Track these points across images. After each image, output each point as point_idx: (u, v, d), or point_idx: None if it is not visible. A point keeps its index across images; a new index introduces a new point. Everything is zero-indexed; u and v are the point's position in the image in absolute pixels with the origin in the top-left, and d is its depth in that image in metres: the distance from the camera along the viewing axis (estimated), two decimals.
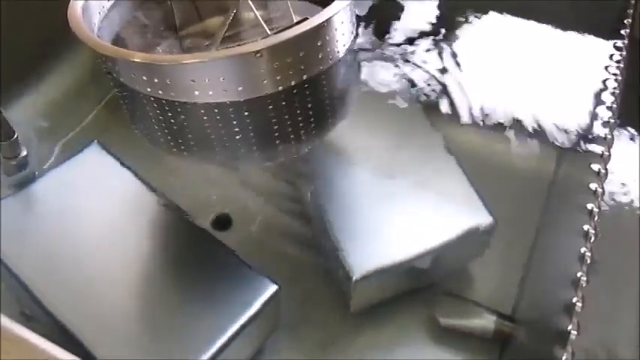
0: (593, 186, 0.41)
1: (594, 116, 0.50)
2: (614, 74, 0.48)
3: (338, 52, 0.51)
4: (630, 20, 0.53)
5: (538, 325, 0.45)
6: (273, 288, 0.45)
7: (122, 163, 0.52)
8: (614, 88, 0.47)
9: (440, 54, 0.56)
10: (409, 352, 0.48)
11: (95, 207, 0.49)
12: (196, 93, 0.48)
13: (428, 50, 0.57)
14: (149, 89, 0.49)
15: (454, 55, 0.56)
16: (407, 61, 0.55)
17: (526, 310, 0.48)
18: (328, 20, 0.48)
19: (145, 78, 0.48)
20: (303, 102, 0.50)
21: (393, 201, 0.50)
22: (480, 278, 0.53)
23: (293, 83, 0.48)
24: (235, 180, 0.58)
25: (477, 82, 0.56)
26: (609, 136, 0.43)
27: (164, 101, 0.49)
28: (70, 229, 0.48)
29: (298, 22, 0.48)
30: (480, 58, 0.57)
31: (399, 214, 0.50)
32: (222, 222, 0.58)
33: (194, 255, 0.47)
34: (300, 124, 0.51)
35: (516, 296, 0.50)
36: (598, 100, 0.49)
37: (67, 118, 0.62)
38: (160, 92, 0.48)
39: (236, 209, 0.54)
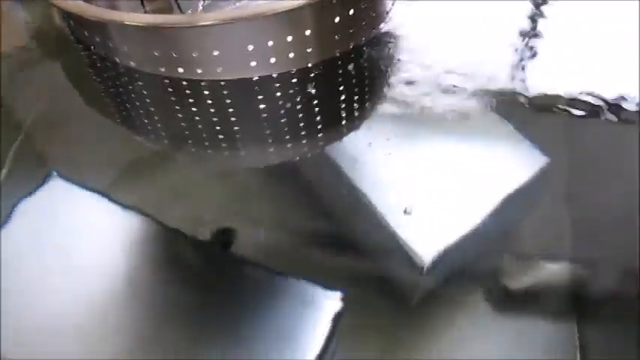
0: None
1: None
2: None
3: (387, 13, 0.41)
4: None
5: (608, 263, 0.41)
6: (337, 296, 0.38)
7: (100, 194, 0.40)
8: None
9: None
10: (485, 338, 0.42)
11: (88, 250, 0.38)
12: (253, 64, 0.35)
13: None
14: (163, 69, 0.36)
15: None
16: None
17: (589, 251, 0.44)
18: None
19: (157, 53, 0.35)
20: (346, 76, 0.40)
21: (445, 171, 0.44)
22: (528, 228, 0.48)
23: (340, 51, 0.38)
24: (230, 184, 0.47)
25: None
26: None
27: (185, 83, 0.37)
28: (64, 280, 0.36)
29: None
30: None
31: (454, 182, 0.43)
32: (224, 237, 0.46)
33: (227, 284, 0.38)
34: (337, 104, 0.41)
35: (573, 239, 0.46)
36: None
37: None
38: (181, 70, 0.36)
39: (237, 219, 0.43)
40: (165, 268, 0.38)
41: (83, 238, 0.38)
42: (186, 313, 0.36)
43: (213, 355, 0.35)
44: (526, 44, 0.47)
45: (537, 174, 0.42)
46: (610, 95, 0.44)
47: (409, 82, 0.43)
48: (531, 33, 0.47)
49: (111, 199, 0.39)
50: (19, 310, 0.35)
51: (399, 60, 0.43)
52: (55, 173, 0.41)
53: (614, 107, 0.42)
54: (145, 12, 0.44)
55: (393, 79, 0.43)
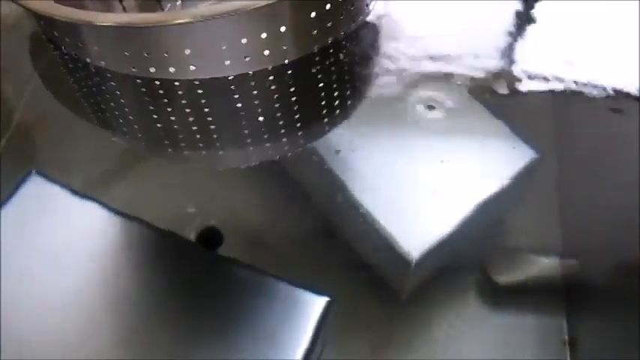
0: None
1: None
2: None
3: (367, 5, 0.40)
4: None
5: (599, 257, 0.40)
6: (324, 300, 0.37)
7: (81, 195, 0.39)
8: None
9: None
10: (474, 334, 0.42)
11: (69, 251, 0.36)
12: (227, 63, 0.34)
13: None
14: (134, 69, 0.35)
15: None
16: None
17: (579, 244, 0.43)
18: None
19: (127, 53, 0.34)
20: (325, 71, 0.39)
21: (432, 165, 0.43)
22: (516, 222, 0.47)
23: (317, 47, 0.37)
24: (215, 183, 0.46)
25: None
26: None
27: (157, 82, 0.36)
28: (47, 283, 0.34)
29: None
30: None
31: (441, 177, 0.42)
32: (210, 237, 0.45)
33: (213, 284, 0.37)
34: (317, 101, 0.40)
35: (562, 232, 0.45)
36: None
37: None
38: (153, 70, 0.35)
39: (223, 219, 0.42)
40: (150, 268, 0.37)
41: (65, 239, 0.37)
42: (172, 313, 0.35)
43: (199, 356, 0.34)
44: (516, 35, 0.46)
45: (526, 168, 0.41)
46: (606, 85, 0.43)
47: (392, 76, 0.42)
48: (523, 25, 0.46)
49: (92, 199, 0.39)
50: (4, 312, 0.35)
51: (380, 53, 0.42)
52: (34, 172, 0.40)
53: (609, 98, 0.41)
54: (123, 7, 0.43)
55: (375, 73, 0.42)
